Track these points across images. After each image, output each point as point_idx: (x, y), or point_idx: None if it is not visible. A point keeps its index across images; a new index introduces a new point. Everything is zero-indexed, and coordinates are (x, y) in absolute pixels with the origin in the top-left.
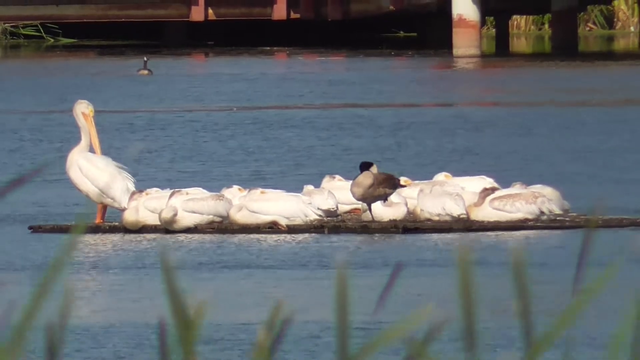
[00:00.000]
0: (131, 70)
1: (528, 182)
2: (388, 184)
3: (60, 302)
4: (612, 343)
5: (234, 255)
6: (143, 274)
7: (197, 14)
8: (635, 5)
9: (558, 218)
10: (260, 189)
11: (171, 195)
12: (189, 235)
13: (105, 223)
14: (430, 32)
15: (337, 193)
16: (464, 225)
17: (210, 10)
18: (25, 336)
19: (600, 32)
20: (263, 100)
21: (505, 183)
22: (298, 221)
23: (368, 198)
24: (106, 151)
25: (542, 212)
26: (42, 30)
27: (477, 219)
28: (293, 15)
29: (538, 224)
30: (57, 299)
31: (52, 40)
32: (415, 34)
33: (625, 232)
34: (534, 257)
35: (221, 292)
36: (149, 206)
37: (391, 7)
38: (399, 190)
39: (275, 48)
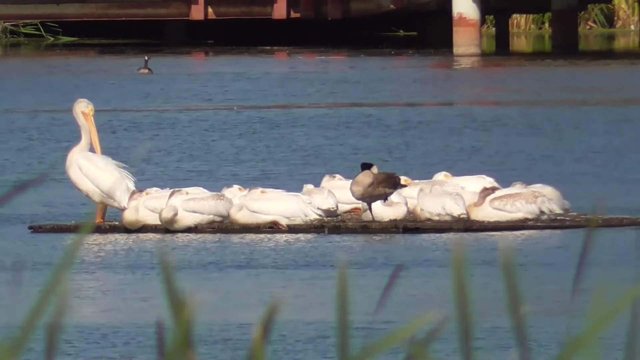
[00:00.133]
0: (131, 69)
1: (530, 182)
2: (388, 184)
3: (56, 302)
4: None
5: (234, 255)
6: (143, 273)
7: (197, 12)
8: (636, 4)
9: (558, 218)
10: (260, 189)
11: (171, 194)
12: (189, 235)
13: (106, 222)
14: (431, 31)
15: (337, 192)
16: (464, 225)
17: (210, 9)
18: (29, 336)
19: (600, 30)
20: (268, 100)
21: (505, 182)
22: (298, 221)
23: (368, 197)
24: (114, 151)
25: (542, 212)
26: (42, 29)
27: (477, 219)
28: (293, 14)
29: (538, 224)
30: (57, 299)
31: (52, 39)
32: (415, 33)
33: (625, 232)
34: (534, 257)
35: (221, 292)
36: (149, 206)
37: (391, 6)
38: (399, 189)
39: (275, 47)
